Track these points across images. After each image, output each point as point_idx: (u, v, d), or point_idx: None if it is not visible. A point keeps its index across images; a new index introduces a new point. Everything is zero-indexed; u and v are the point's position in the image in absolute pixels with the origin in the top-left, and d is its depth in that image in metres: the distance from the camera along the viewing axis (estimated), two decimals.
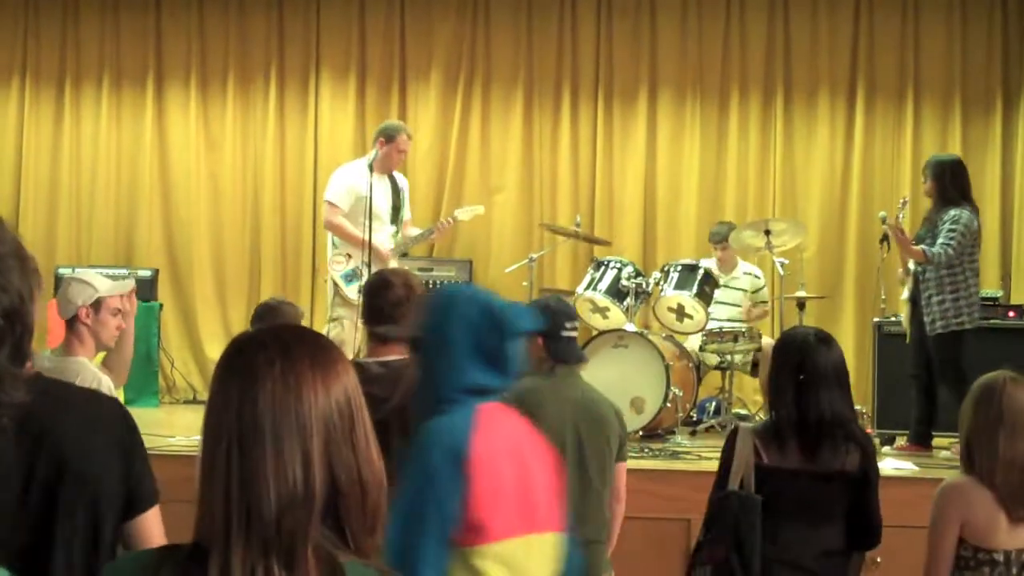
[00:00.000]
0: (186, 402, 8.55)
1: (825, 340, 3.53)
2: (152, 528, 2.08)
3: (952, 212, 6.35)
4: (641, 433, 6.66)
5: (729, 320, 7.66)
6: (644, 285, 7.08)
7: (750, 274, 7.93)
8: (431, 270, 8.50)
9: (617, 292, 7.05)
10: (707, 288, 7.15)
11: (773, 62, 8.85)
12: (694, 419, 7.34)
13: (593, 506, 3.95)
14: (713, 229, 7.98)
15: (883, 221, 7.37)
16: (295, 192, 8.99)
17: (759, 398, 8.24)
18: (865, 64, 8.78)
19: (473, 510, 2.31)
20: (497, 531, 2.33)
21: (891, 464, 5.97)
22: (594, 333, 7.02)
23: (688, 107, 8.86)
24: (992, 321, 6.65)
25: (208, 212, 9.02)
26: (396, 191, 7.13)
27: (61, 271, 7.81)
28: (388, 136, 7.03)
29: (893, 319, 7.22)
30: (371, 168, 6.81)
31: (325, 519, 1.53)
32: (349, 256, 6.99)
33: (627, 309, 7.03)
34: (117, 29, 9.11)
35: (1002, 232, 8.55)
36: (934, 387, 6.48)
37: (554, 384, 4.00)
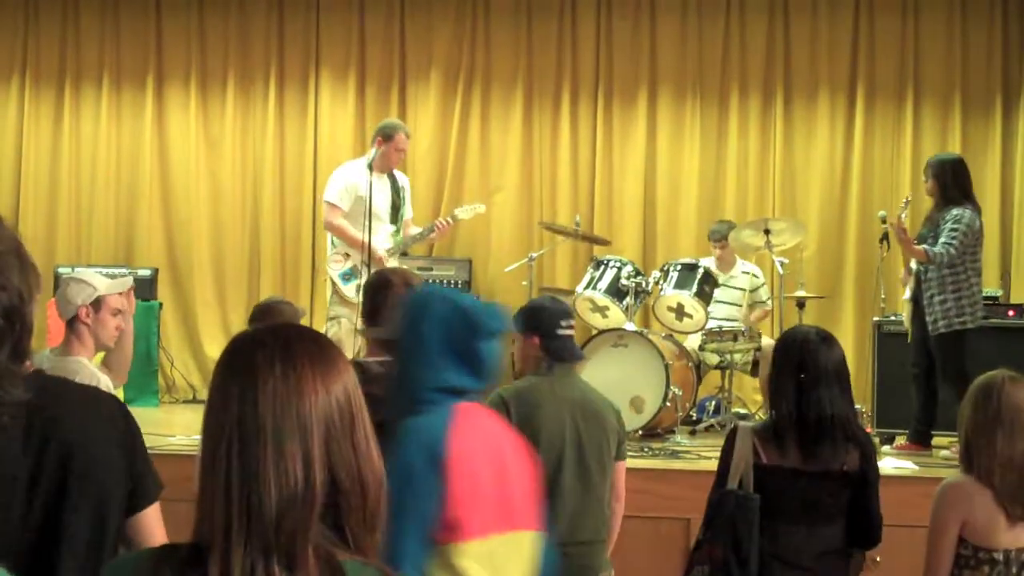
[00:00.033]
0: (186, 401, 8.56)
1: (826, 339, 3.53)
2: (153, 525, 2.08)
3: (954, 211, 6.35)
4: (641, 432, 6.66)
5: (727, 319, 7.66)
6: (644, 284, 7.08)
7: (748, 273, 7.93)
8: (431, 269, 8.50)
9: (617, 291, 7.05)
10: (707, 287, 7.15)
11: (773, 62, 8.85)
12: (694, 418, 7.34)
13: (593, 505, 3.96)
14: (713, 227, 7.98)
15: (883, 220, 7.38)
16: (295, 192, 9.00)
17: (759, 397, 8.24)
18: (865, 64, 8.78)
19: (450, 509, 2.33)
20: (474, 529, 2.34)
21: (891, 463, 5.97)
22: (594, 332, 7.02)
23: (688, 107, 8.86)
24: (991, 320, 6.64)
25: (208, 212, 9.03)
26: (396, 190, 7.12)
27: (61, 270, 7.81)
28: (386, 135, 7.02)
29: (893, 318, 7.22)
30: (370, 168, 6.81)
31: (325, 518, 1.53)
32: (347, 255, 6.99)
33: (627, 308, 7.04)
34: (117, 29, 9.12)
35: (1002, 232, 8.55)
36: (934, 387, 6.48)
37: (552, 383, 4.00)
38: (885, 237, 7.30)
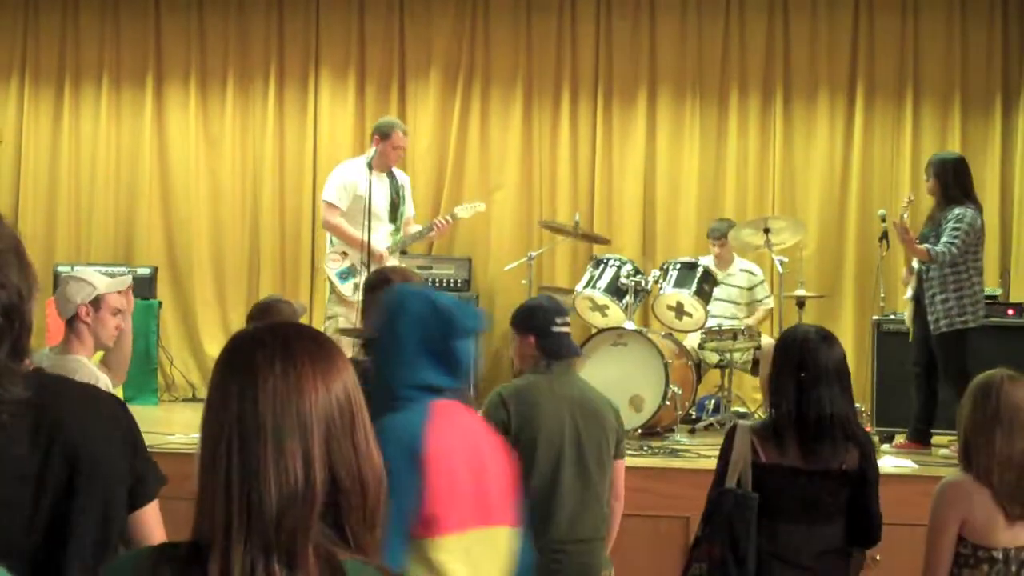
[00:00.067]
0: (185, 400, 8.57)
1: (827, 338, 3.54)
2: (152, 523, 2.08)
3: (956, 211, 6.35)
4: (640, 431, 6.66)
5: (725, 316, 7.67)
6: (643, 283, 7.08)
7: (746, 271, 7.93)
8: (430, 268, 8.50)
9: (616, 290, 7.05)
10: (706, 286, 7.15)
11: (773, 61, 8.85)
12: (693, 417, 7.34)
13: (592, 503, 3.96)
14: (712, 225, 7.99)
15: (882, 219, 7.38)
16: (294, 191, 9.00)
17: (758, 396, 8.24)
18: (865, 63, 8.78)
19: (428, 504, 2.34)
20: (451, 524, 2.35)
21: (890, 462, 5.97)
22: (593, 331, 7.02)
23: (687, 106, 8.86)
24: (991, 319, 6.65)
25: (207, 211, 9.03)
26: (395, 189, 7.12)
27: (60, 269, 7.80)
28: (383, 133, 7.02)
29: (892, 317, 7.23)
30: (370, 167, 6.81)
31: (325, 517, 1.53)
32: (344, 254, 6.99)
33: (626, 307, 7.04)
34: (117, 28, 9.12)
35: (1001, 231, 8.55)
36: (934, 386, 6.48)
37: (551, 381, 4.01)
38: (885, 236, 7.31)
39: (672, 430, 6.79)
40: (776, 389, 3.55)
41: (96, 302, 3.96)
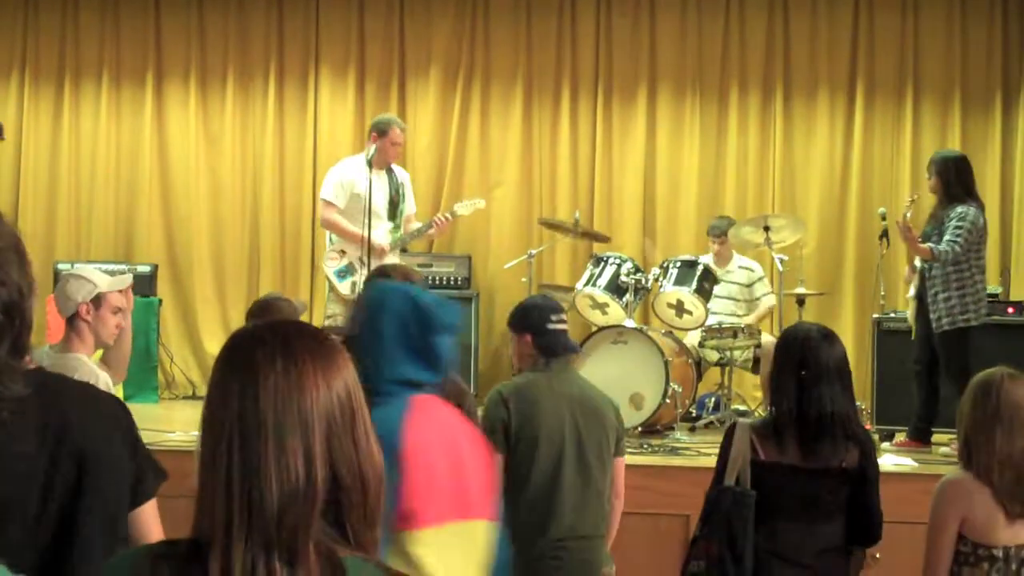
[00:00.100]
0: (185, 398, 8.57)
1: (828, 336, 3.54)
2: (150, 521, 2.08)
3: (959, 209, 6.35)
4: (640, 429, 6.66)
5: (724, 313, 7.66)
6: (643, 281, 7.08)
7: (745, 268, 7.93)
8: (431, 265, 8.50)
9: (616, 288, 7.05)
10: (706, 284, 7.15)
11: (773, 58, 8.85)
12: (693, 415, 7.34)
13: (593, 500, 3.97)
14: (712, 223, 7.99)
15: (883, 217, 7.39)
16: (295, 189, 8.99)
17: (758, 394, 8.24)
18: (865, 61, 8.78)
19: (406, 499, 2.34)
20: (429, 518, 2.36)
21: (890, 460, 5.97)
22: (593, 329, 7.02)
23: (687, 104, 8.85)
24: (991, 317, 6.64)
25: (208, 208, 9.03)
26: (395, 186, 7.11)
27: (60, 266, 7.81)
28: (380, 130, 7.02)
29: (892, 315, 7.23)
30: (370, 165, 6.81)
31: (325, 514, 1.53)
32: (343, 252, 6.99)
33: (626, 305, 7.04)
34: (117, 25, 9.11)
35: (1001, 229, 8.55)
36: (936, 384, 6.48)
37: (551, 379, 4.02)
38: (885, 234, 7.31)
39: (672, 428, 6.79)
40: (777, 387, 3.55)
41: (97, 301, 3.95)
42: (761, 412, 7.50)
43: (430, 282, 8.05)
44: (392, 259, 6.89)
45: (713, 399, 7.55)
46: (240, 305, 8.69)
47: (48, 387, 1.92)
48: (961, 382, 5.81)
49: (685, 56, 8.86)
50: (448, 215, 7.20)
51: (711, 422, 7.16)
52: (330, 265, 7.03)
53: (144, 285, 7.91)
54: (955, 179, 6.45)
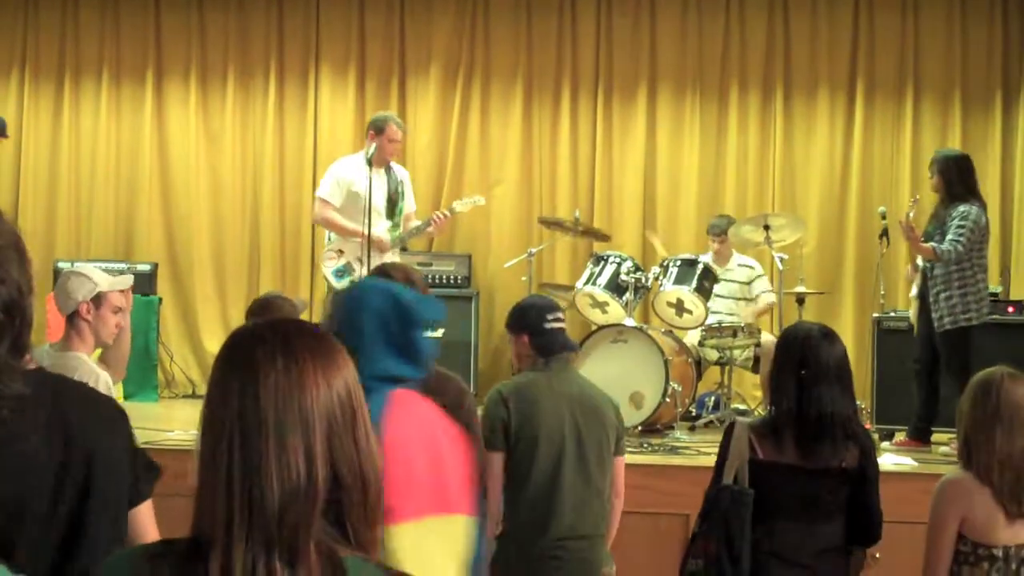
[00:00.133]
0: (185, 396, 8.56)
1: (828, 336, 3.53)
2: (146, 521, 2.08)
3: (961, 208, 6.35)
4: (640, 428, 6.66)
5: (725, 312, 7.66)
6: (643, 280, 7.08)
7: (745, 266, 7.92)
8: (431, 264, 8.50)
9: (616, 287, 7.05)
10: (706, 283, 7.15)
11: (773, 58, 8.85)
12: (693, 414, 7.35)
13: (593, 499, 3.97)
14: (712, 222, 7.98)
15: (883, 216, 7.39)
16: (295, 187, 8.99)
17: (758, 393, 8.24)
18: (865, 60, 8.78)
19: (385, 493, 2.34)
20: (407, 512, 2.36)
21: (890, 459, 5.97)
22: (593, 328, 7.02)
23: (688, 103, 8.85)
24: (992, 316, 6.65)
25: (208, 207, 9.03)
26: (394, 184, 7.11)
27: (60, 265, 7.80)
28: (377, 128, 7.02)
29: (892, 314, 7.23)
30: (370, 163, 6.81)
31: (326, 514, 1.53)
32: (341, 252, 6.99)
33: (626, 304, 7.04)
34: (117, 23, 9.11)
35: (1002, 228, 8.55)
36: (937, 384, 6.48)
37: (550, 378, 4.02)
38: (885, 233, 7.31)
39: (672, 427, 6.79)
40: (776, 386, 3.55)
41: (97, 300, 3.95)
42: (761, 411, 7.50)
43: (430, 281, 8.04)
44: (392, 258, 6.89)
45: (713, 398, 7.55)
46: (240, 304, 8.69)
47: (51, 387, 1.92)
48: (962, 381, 5.80)
49: (685, 55, 8.86)
50: (446, 212, 7.18)
51: (711, 421, 7.16)
52: (328, 265, 7.03)
53: (144, 283, 7.90)
54: (957, 178, 6.45)
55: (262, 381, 1.53)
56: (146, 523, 2.08)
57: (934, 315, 6.40)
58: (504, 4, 8.97)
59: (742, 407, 7.88)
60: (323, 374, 1.56)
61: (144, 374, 7.98)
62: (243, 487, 1.49)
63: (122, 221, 9.05)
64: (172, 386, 8.70)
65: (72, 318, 3.94)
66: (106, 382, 3.83)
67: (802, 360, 3.46)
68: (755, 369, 7.54)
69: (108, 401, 2.09)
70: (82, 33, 9.12)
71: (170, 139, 9.10)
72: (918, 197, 6.90)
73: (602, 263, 7.17)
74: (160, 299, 8.38)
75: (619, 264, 7.11)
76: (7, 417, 1.78)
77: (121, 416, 2.04)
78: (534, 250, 7.74)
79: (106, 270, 4.41)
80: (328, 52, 9.05)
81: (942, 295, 6.37)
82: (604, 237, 7.88)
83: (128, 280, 4.15)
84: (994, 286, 7.58)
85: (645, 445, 6.31)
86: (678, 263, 7.21)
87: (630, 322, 6.93)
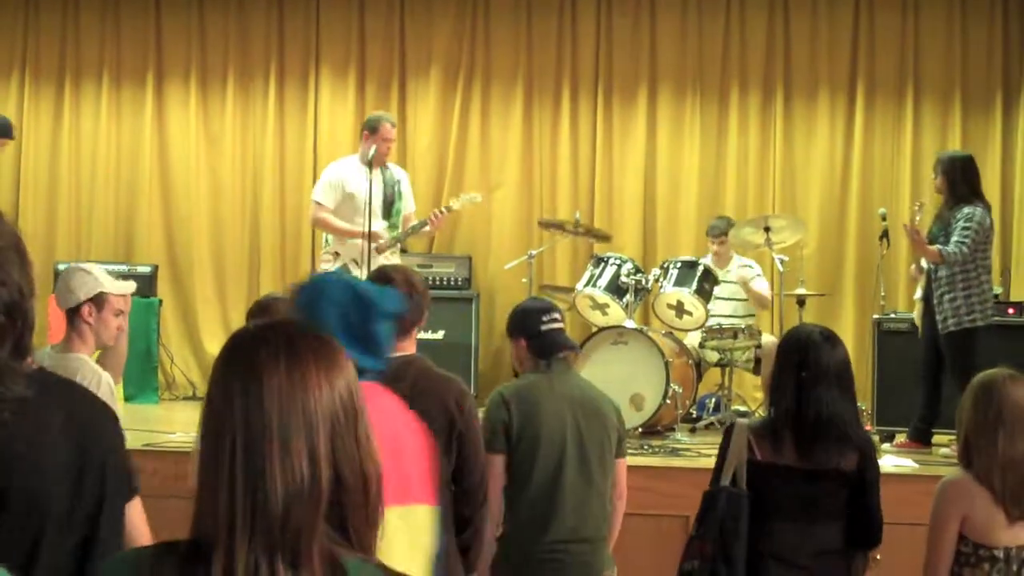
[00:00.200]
0: (185, 398, 8.56)
1: (829, 339, 3.53)
2: (137, 519, 2.08)
3: (965, 210, 6.35)
4: (641, 430, 6.66)
5: (726, 314, 7.65)
6: (644, 282, 7.08)
7: (744, 266, 7.91)
8: (431, 266, 8.49)
9: (616, 289, 7.05)
10: (706, 285, 7.15)
11: (773, 59, 8.85)
12: (694, 416, 7.34)
13: (594, 502, 3.97)
14: (711, 223, 7.98)
15: (883, 218, 7.38)
16: (295, 189, 8.99)
17: (759, 395, 8.24)
18: (865, 61, 8.78)
19: None
20: None
21: (890, 461, 5.97)
22: (593, 330, 7.02)
23: (688, 104, 8.85)
24: (993, 318, 6.64)
25: (208, 208, 9.03)
26: (390, 184, 7.10)
27: (60, 267, 7.80)
28: (372, 127, 7.03)
29: (893, 316, 7.23)
30: (370, 165, 6.81)
31: (327, 515, 1.52)
32: (337, 254, 6.99)
33: (626, 306, 7.04)
34: (117, 25, 9.12)
35: (1002, 229, 8.54)
36: (940, 387, 6.47)
37: (552, 380, 4.02)
38: (885, 234, 7.31)
39: (673, 429, 6.79)
40: (776, 388, 3.55)
41: (99, 303, 3.95)
42: (761, 413, 7.50)
43: (430, 283, 8.03)
44: (393, 260, 6.88)
45: (713, 400, 7.55)
46: (240, 305, 8.69)
47: (61, 389, 1.92)
48: (965, 383, 5.80)
49: (685, 56, 8.86)
50: (443, 210, 7.17)
51: (711, 423, 7.16)
52: (324, 268, 7.03)
53: (144, 285, 7.90)
54: (961, 179, 6.44)
55: (265, 383, 1.52)
56: (138, 520, 2.08)
57: (938, 317, 6.39)
58: (504, 5, 8.98)
59: (742, 409, 7.88)
60: (326, 375, 1.56)
61: (144, 376, 7.99)
62: (246, 489, 1.48)
63: (122, 223, 9.05)
64: (172, 388, 8.70)
65: (74, 320, 3.95)
66: (108, 383, 3.84)
67: (802, 362, 3.47)
68: (756, 371, 7.54)
69: (104, 403, 2.09)
70: (82, 35, 9.12)
71: (170, 141, 9.10)
72: (923, 202, 6.88)
73: (602, 265, 7.17)
74: (160, 301, 8.38)
75: (619, 266, 7.11)
76: (8, 419, 1.78)
77: (116, 417, 2.05)
78: (534, 252, 7.74)
79: (108, 273, 4.41)
80: (328, 54, 9.05)
81: (946, 297, 6.36)
82: (605, 237, 7.88)
83: (131, 286, 4.17)
84: (995, 287, 7.59)
85: (646, 447, 6.31)
86: (678, 265, 7.21)
87: (630, 324, 6.92)
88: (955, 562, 3.35)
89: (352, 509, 1.54)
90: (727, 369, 7.25)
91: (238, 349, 1.59)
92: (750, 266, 7.92)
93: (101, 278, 4.00)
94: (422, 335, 4.10)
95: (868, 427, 5.82)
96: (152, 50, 9.09)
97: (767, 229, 7.24)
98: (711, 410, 7.45)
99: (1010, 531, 3.31)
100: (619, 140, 8.89)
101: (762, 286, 7.68)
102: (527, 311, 4.15)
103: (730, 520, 3.43)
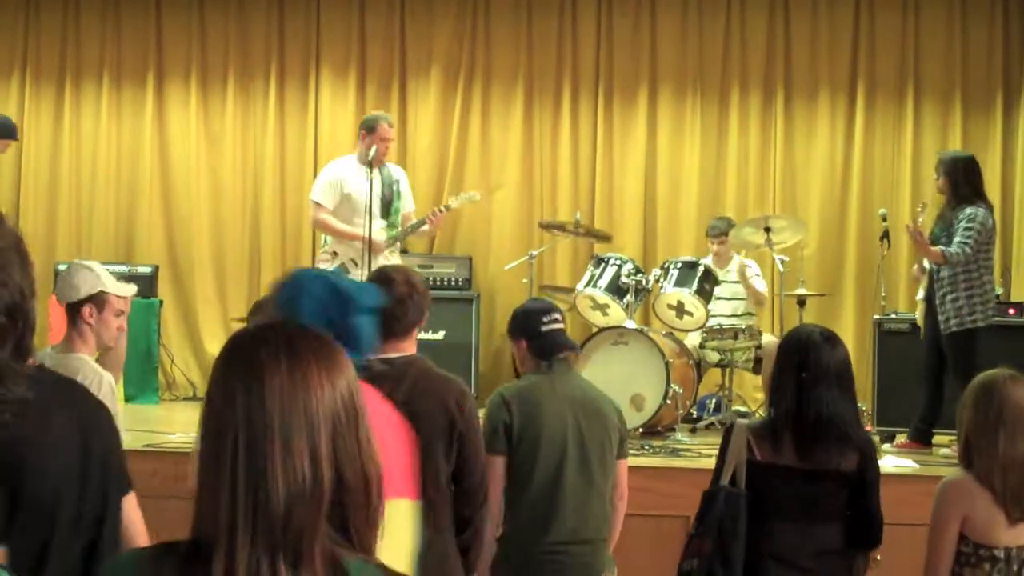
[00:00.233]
0: (186, 399, 8.56)
1: (830, 339, 3.53)
2: (134, 512, 2.09)
3: (968, 210, 6.35)
4: (641, 430, 6.66)
5: (725, 315, 7.65)
6: (644, 282, 7.08)
7: (744, 265, 7.90)
8: (431, 267, 8.49)
9: (617, 289, 7.05)
10: (707, 285, 7.15)
11: (773, 59, 8.85)
12: (694, 416, 7.34)
13: (595, 503, 3.97)
14: (711, 223, 7.97)
15: (883, 218, 7.38)
16: (295, 189, 8.98)
17: (759, 395, 8.24)
18: (865, 61, 8.78)
19: None
20: None
21: (891, 461, 5.97)
22: (594, 330, 7.01)
23: (688, 104, 8.85)
24: (994, 318, 6.64)
25: (208, 209, 9.03)
26: (389, 183, 7.10)
27: (61, 267, 7.79)
28: (369, 127, 7.04)
29: (893, 316, 7.22)
30: (370, 165, 6.81)
31: (331, 517, 1.52)
32: (335, 254, 7.00)
33: (627, 306, 7.04)
34: (118, 26, 9.12)
35: (1002, 229, 8.53)
36: (942, 387, 6.47)
37: (553, 381, 4.02)
38: (885, 235, 7.31)
39: (673, 429, 6.79)
40: (776, 388, 3.55)
41: (100, 303, 3.96)
42: (761, 413, 7.50)
43: (431, 283, 8.04)
44: (393, 260, 6.88)
45: (714, 400, 7.55)
46: (241, 306, 8.69)
47: (64, 390, 1.93)
48: (967, 383, 5.81)
49: (686, 56, 8.86)
50: (442, 208, 7.16)
51: (712, 423, 7.15)
52: (322, 268, 7.02)
53: (145, 286, 7.89)
54: (964, 179, 6.43)
55: (267, 383, 1.52)
56: (134, 515, 2.08)
57: (940, 317, 6.39)
58: (504, 5, 8.98)
59: (743, 409, 7.87)
60: (327, 375, 1.56)
61: (145, 376, 7.98)
62: (248, 489, 1.48)
63: (123, 223, 9.05)
64: (173, 388, 8.70)
65: (75, 320, 3.95)
66: (109, 383, 3.84)
67: (802, 362, 3.47)
68: (756, 370, 7.53)
69: (99, 399, 2.10)
70: (83, 36, 9.12)
71: (171, 141, 9.10)
72: (926, 203, 6.88)
73: (603, 265, 7.17)
74: (161, 301, 8.37)
75: (620, 266, 7.11)
76: (8, 421, 1.78)
77: (111, 413, 2.05)
78: (535, 252, 7.74)
79: (109, 274, 4.42)
80: (329, 54, 9.05)
81: (948, 297, 6.36)
82: (606, 237, 7.88)
83: (132, 289, 4.17)
84: (995, 288, 7.59)
85: (646, 447, 6.31)
86: (679, 265, 7.21)
87: (631, 324, 6.92)
88: (955, 562, 3.35)
89: (353, 509, 1.54)
90: (727, 369, 7.25)
91: (238, 349, 1.59)
92: (749, 265, 7.91)
93: (104, 277, 4.01)
94: (423, 336, 4.10)
95: (868, 427, 5.82)
96: (152, 50, 9.09)
97: (767, 229, 7.24)
98: (711, 410, 7.45)
99: (1011, 531, 3.31)
100: (619, 140, 8.89)
101: (760, 285, 7.68)
102: (528, 312, 4.15)
103: (728, 520, 3.43)
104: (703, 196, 8.78)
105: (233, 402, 1.52)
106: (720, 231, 7.78)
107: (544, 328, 4.06)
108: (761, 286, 7.66)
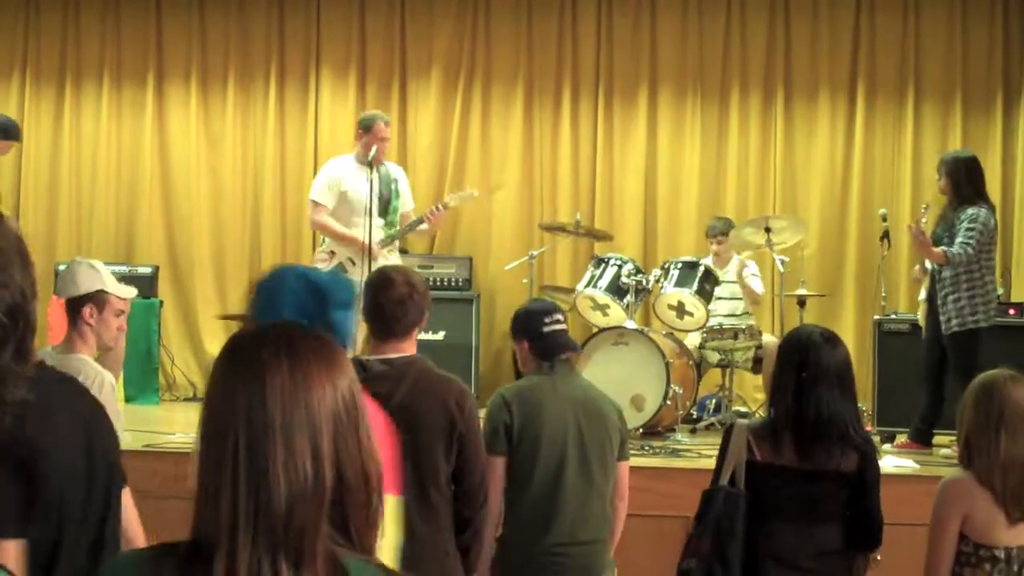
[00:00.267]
0: (186, 399, 8.56)
1: (830, 340, 3.54)
2: (130, 506, 2.08)
3: (970, 211, 6.34)
4: (641, 431, 6.66)
5: (725, 315, 7.65)
6: (644, 282, 7.08)
7: (742, 264, 7.89)
8: (431, 267, 8.49)
9: (617, 289, 7.05)
10: (707, 286, 7.15)
11: (774, 59, 8.85)
12: (694, 417, 7.34)
13: (595, 504, 3.96)
14: (711, 223, 7.97)
15: (883, 219, 7.38)
16: (295, 190, 8.98)
17: (759, 395, 8.23)
18: (866, 62, 8.78)
19: None
20: None
21: (891, 462, 5.96)
22: (594, 331, 7.02)
23: (688, 104, 8.85)
24: (995, 319, 6.64)
25: (208, 209, 9.03)
26: (386, 182, 7.10)
27: (61, 268, 7.79)
28: (366, 127, 7.04)
29: (893, 316, 7.22)
30: (371, 165, 6.81)
31: (332, 518, 1.52)
32: (332, 253, 7.00)
33: (627, 306, 7.04)
34: (118, 26, 9.12)
35: (1003, 230, 8.51)
36: (943, 388, 6.46)
37: (554, 382, 4.02)
38: (886, 235, 7.31)
39: (673, 430, 6.79)
40: (776, 388, 3.56)
41: (101, 304, 3.96)
42: (762, 413, 7.50)
43: (431, 283, 8.03)
44: (393, 260, 6.88)
45: (714, 400, 7.55)
46: (241, 306, 8.66)
47: (67, 389, 1.92)
48: (967, 383, 5.81)
49: (686, 57, 8.86)
50: (440, 206, 7.14)
51: (712, 423, 7.16)
52: (320, 268, 7.02)
53: (145, 286, 7.89)
54: (965, 180, 6.43)
55: (268, 382, 1.52)
56: (129, 508, 2.08)
57: (942, 317, 6.38)
58: (505, 5, 8.98)
59: (743, 409, 7.87)
60: (328, 375, 1.56)
61: (145, 377, 7.98)
62: (249, 490, 1.48)
63: (123, 224, 9.06)
64: (173, 389, 8.70)
65: (75, 320, 3.96)
66: (110, 383, 3.85)
67: (803, 363, 3.47)
68: (756, 370, 7.53)
69: (95, 397, 2.09)
70: (83, 36, 9.13)
71: (171, 142, 9.10)
72: (929, 205, 6.88)
73: (603, 265, 7.17)
74: (161, 302, 8.37)
75: (620, 266, 7.11)
76: (9, 423, 1.78)
77: (108, 415, 2.05)
78: (535, 252, 7.74)
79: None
80: (329, 54, 9.05)
81: (950, 297, 6.36)
82: (606, 238, 7.87)
83: (132, 291, 4.18)
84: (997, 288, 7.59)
85: (646, 447, 6.31)
86: (679, 266, 7.21)
87: (631, 324, 6.92)
88: (956, 562, 3.36)
89: (354, 509, 1.54)
90: (727, 370, 7.25)
91: (239, 349, 1.59)
92: (747, 265, 7.91)
93: (105, 277, 4.02)
94: (423, 336, 4.11)
95: (869, 428, 5.82)
96: (153, 51, 9.09)
97: (768, 230, 7.24)
98: (711, 411, 7.45)
99: (1011, 531, 3.31)
100: (620, 141, 8.89)
101: (756, 285, 7.68)
102: (529, 313, 4.16)
103: (726, 519, 3.43)
104: (703, 196, 8.78)
105: (234, 402, 1.52)
106: (719, 231, 7.79)
107: (546, 329, 4.06)
108: (757, 285, 7.66)
